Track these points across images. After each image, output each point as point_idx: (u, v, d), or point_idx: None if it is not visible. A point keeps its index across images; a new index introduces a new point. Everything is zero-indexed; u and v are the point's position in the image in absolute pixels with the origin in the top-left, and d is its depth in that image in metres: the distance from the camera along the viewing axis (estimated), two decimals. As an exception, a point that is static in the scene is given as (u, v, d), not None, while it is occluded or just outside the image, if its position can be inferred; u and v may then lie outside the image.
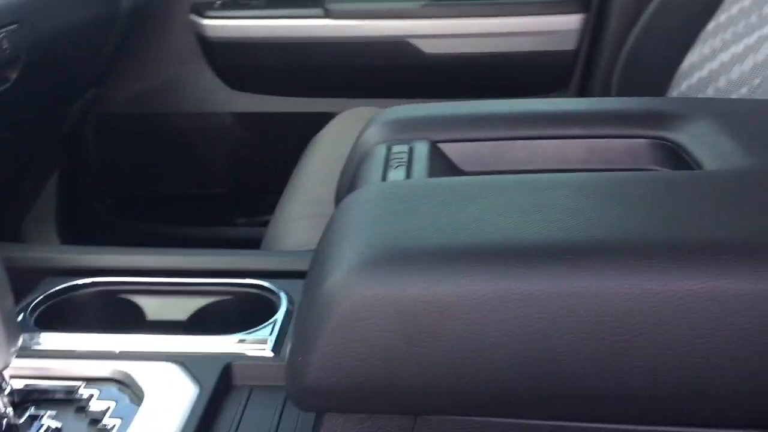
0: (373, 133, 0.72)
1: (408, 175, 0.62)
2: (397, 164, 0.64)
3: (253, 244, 1.13)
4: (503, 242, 0.46)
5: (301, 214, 0.96)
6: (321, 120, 1.39)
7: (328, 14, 1.39)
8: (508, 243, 0.45)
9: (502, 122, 0.70)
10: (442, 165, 0.66)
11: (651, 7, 1.22)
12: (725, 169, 0.56)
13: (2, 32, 0.92)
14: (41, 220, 1.49)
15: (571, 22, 1.37)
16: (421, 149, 0.67)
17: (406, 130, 0.71)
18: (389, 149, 0.68)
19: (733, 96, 0.96)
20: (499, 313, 0.43)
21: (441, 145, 0.69)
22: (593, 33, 1.39)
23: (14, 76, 0.98)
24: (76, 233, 1.54)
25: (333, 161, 1.09)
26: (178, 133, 1.51)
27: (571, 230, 0.46)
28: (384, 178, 0.63)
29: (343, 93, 1.47)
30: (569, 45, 1.39)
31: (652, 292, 0.42)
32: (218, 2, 1.43)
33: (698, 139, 0.63)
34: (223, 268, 0.80)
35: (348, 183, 0.70)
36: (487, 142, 0.69)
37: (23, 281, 0.79)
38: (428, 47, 1.40)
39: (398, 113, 0.74)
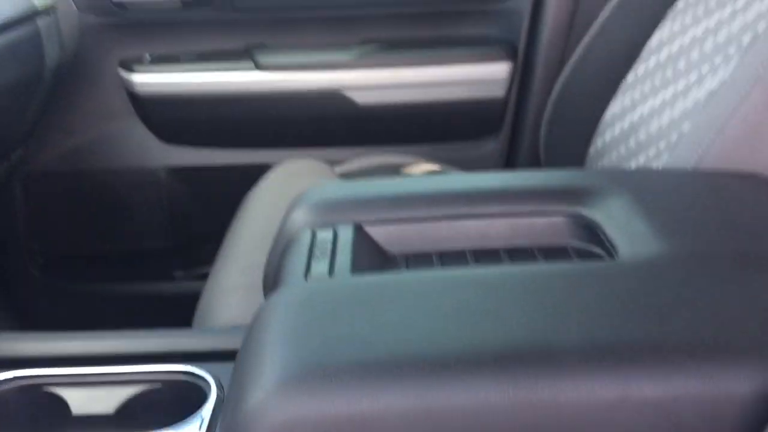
0: (297, 217, 0.72)
1: (331, 267, 0.62)
2: (320, 253, 0.65)
3: (192, 299, 1.12)
4: (422, 353, 0.46)
5: (233, 284, 0.95)
6: (257, 172, 1.39)
7: (258, 67, 1.39)
8: (427, 354, 0.46)
9: (426, 201, 0.71)
10: (367, 250, 0.67)
11: (574, 57, 1.25)
12: (636, 259, 0.58)
13: None
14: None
15: (499, 70, 1.40)
16: (346, 235, 0.67)
17: (330, 212, 0.71)
18: (314, 235, 0.68)
19: (652, 150, 1.00)
20: (423, 428, 0.43)
21: (366, 228, 0.70)
22: (521, 81, 1.42)
23: None
24: (5, 296, 1.50)
25: (267, 221, 1.09)
26: (111, 189, 1.49)
27: (486, 337, 0.47)
28: (307, 269, 0.63)
29: (278, 144, 1.47)
30: (498, 93, 1.42)
31: (562, 401, 0.43)
32: (147, 57, 1.41)
33: (613, 219, 0.65)
34: (153, 351, 0.78)
35: (273, 272, 0.70)
36: (411, 224, 0.70)
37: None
38: (360, 97, 1.41)
39: (323, 194, 0.74)
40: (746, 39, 0.87)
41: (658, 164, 0.97)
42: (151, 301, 1.53)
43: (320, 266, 0.62)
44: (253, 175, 1.32)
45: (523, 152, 1.46)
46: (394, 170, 1.29)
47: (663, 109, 1.00)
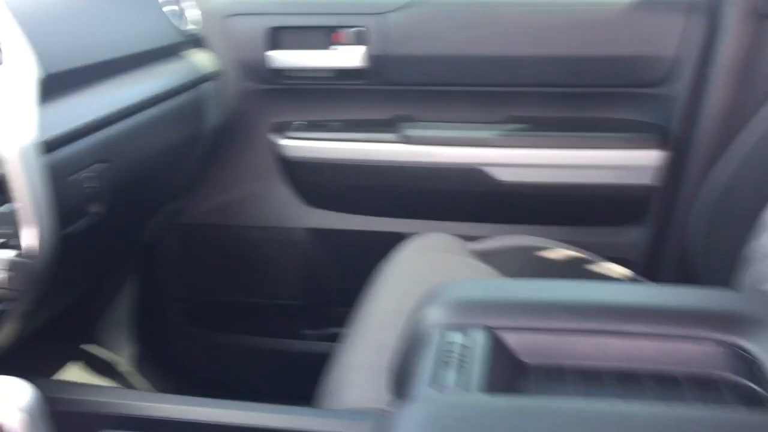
0: (428, 315, 0.71)
1: (463, 377, 0.60)
2: (451, 359, 0.63)
3: (317, 359, 1.13)
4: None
5: (361, 363, 0.95)
6: (392, 240, 1.40)
7: (403, 139, 1.41)
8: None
9: (567, 312, 0.68)
10: (500, 359, 0.65)
11: (735, 149, 1.18)
12: None
13: (90, 171, 0.97)
14: (116, 323, 1.54)
15: (649, 157, 1.35)
16: (479, 341, 0.65)
17: (463, 313, 0.70)
18: (444, 337, 0.67)
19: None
20: None
21: (500, 332, 0.68)
22: (672, 170, 1.36)
23: (99, 208, 1.02)
24: (147, 337, 1.58)
25: (397, 300, 1.08)
26: (253, 245, 1.55)
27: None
28: (437, 376, 0.61)
29: (415, 214, 1.48)
30: (647, 180, 1.36)
31: None
32: (297, 123, 1.47)
33: None
34: (278, 427, 0.80)
35: (401, 370, 0.69)
36: (549, 335, 0.67)
37: (76, 428, 0.81)
38: (502, 175, 1.40)
39: (455, 293, 0.73)
40: None
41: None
42: (279, 356, 1.57)
43: (451, 375, 0.61)
44: (388, 242, 1.33)
45: (670, 244, 1.38)
46: (531, 253, 1.26)
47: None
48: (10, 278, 0.70)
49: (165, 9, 1.29)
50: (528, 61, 1.36)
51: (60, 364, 1.40)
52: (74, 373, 1.41)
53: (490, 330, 0.67)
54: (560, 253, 1.26)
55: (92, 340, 1.48)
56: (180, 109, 1.25)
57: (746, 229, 1.07)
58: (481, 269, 1.19)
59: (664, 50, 1.32)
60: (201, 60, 1.35)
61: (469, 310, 0.70)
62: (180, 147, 1.32)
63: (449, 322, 0.69)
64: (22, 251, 0.75)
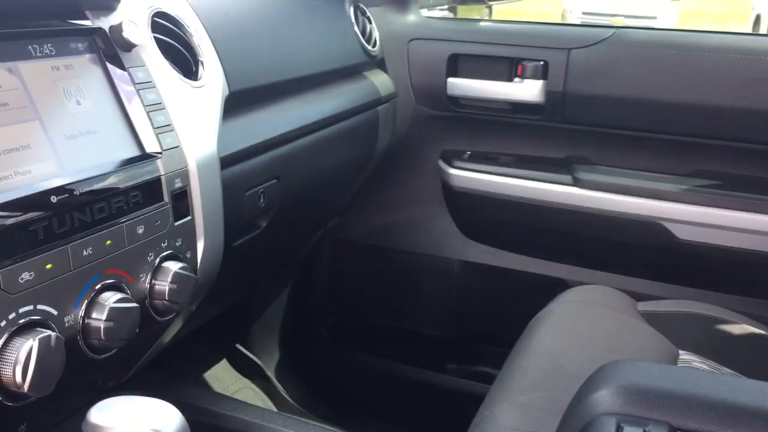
0: (599, 399, 0.64)
1: None
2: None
3: (459, 397, 1.07)
4: None
5: (509, 423, 0.89)
6: (552, 285, 1.33)
7: (576, 183, 1.33)
8: None
9: (765, 423, 0.59)
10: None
11: None
12: None
13: (262, 188, 0.98)
14: (267, 328, 1.57)
15: None
16: None
17: (642, 404, 0.62)
18: (618, 429, 0.60)
19: None
20: None
21: None
22: None
23: (264, 223, 1.03)
24: (295, 347, 1.61)
25: (552, 356, 1.02)
26: (408, 270, 1.53)
27: None
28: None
29: (580, 263, 1.40)
30: None
31: None
32: (468, 153, 1.44)
33: None
34: None
35: None
36: None
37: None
38: (681, 232, 1.28)
39: (633, 377, 0.66)
40: None
41: None
42: (419, 386, 1.54)
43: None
44: (547, 287, 1.26)
45: None
46: (708, 324, 1.15)
47: None
48: (174, 290, 0.71)
49: (355, 29, 1.30)
50: (726, 112, 1.24)
51: (210, 360, 1.45)
52: (219, 369, 1.45)
53: (674, 431, 0.59)
54: (742, 328, 1.13)
55: (243, 342, 1.52)
56: (355, 129, 1.25)
57: None
58: (648, 334, 1.09)
59: None
60: (381, 81, 1.35)
61: (649, 401, 0.62)
62: (350, 167, 1.32)
63: (625, 413, 0.62)
64: (190, 263, 0.76)
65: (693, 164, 1.31)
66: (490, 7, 2.70)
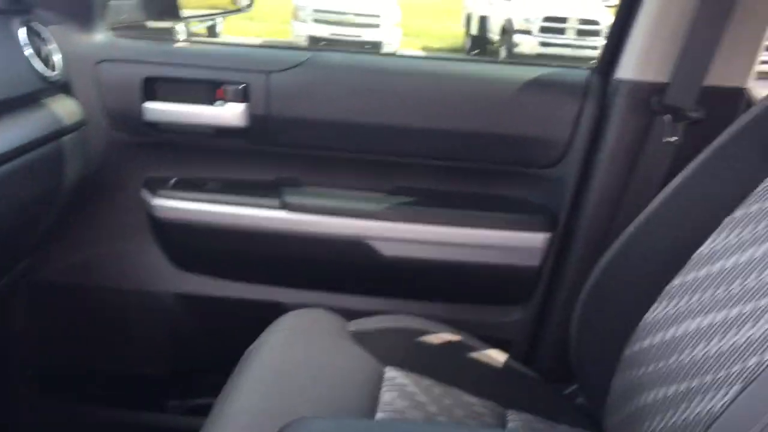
0: None
1: None
2: None
3: None
4: None
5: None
6: (268, 310, 1.31)
7: (284, 206, 1.33)
8: None
9: None
10: None
11: (618, 241, 1.16)
12: None
13: None
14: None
15: (536, 239, 1.32)
16: None
17: None
18: None
19: (696, 381, 0.88)
20: None
21: None
22: (558, 252, 1.34)
23: None
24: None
25: (262, 397, 1.00)
26: (116, 308, 1.42)
27: None
28: None
29: (296, 285, 1.40)
30: (533, 262, 1.33)
31: None
32: (173, 181, 1.37)
33: None
34: None
35: None
36: None
37: None
38: (386, 249, 1.34)
39: None
40: None
41: (707, 404, 0.86)
42: (141, 430, 1.44)
43: None
44: (263, 312, 1.24)
45: (552, 327, 1.36)
46: (411, 338, 1.20)
47: (712, 334, 0.90)
48: None
49: (26, 52, 1.16)
50: (418, 132, 1.31)
51: None
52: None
53: None
54: (441, 337, 1.21)
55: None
56: (34, 164, 1.12)
57: (619, 328, 1.05)
58: (356, 355, 1.12)
59: (557, 133, 1.31)
60: (64, 108, 1.22)
61: None
62: (34, 204, 1.18)
63: None
64: None
65: (393, 182, 1.37)
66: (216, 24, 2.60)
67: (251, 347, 1.14)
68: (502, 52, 9.51)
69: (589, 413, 1.11)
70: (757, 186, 0.99)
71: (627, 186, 1.26)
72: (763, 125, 0.99)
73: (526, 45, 9.10)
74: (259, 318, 1.22)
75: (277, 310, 1.25)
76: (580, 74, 1.32)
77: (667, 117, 1.19)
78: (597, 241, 1.27)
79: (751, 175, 0.99)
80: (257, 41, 9.32)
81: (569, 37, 9.03)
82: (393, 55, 1.48)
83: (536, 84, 1.31)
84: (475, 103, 1.30)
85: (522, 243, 1.33)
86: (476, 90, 1.31)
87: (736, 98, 1.23)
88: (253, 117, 1.31)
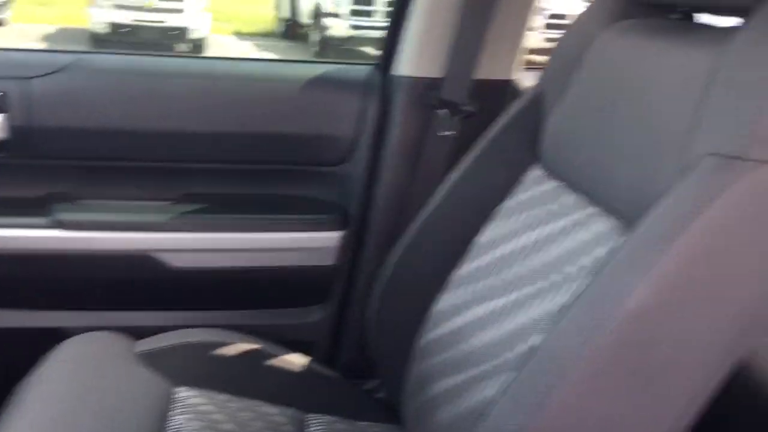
0: None
1: None
2: None
3: None
4: None
5: None
6: (50, 337, 1.20)
7: (58, 225, 1.22)
8: None
9: None
10: None
11: (407, 235, 1.19)
12: None
13: None
14: None
15: (330, 238, 1.32)
16: None
17: None
18: None
19: (483, 366, 0.92)
20: None
21: None
22: (353, 249, 1.34)
23: None
24: None
25: (39, 426, 0.91)
26: None
27: None
28: None
29: (77, 307, 1.30)
30: (328, 261, 1.33)
31: None
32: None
33: None
34: None
35: None
36: None
37: None
38: (176, 261, 1.28)
39: None
40: (585, 261, 0.83)
41: (489, 388, 0.89)
42: None
43: None
44: (42, 341, 1.13)
45: (353, 323, 1.37)
46: (205, 352, 1.16)
47: (490, 322, 0.94)
48: None
49: None
50: (200, 136, 1.26)
51: None
52: None
53: None
54: (238, 348, 1.17)
55: None
56: None
57: (412, 320, 1.07)
58: (143, 379, 1.05)
59: (343, 130, 1.30)
60: None
61: None
62: None
63: None
64: None
65: (179, 189, 1.31)
66: None
67: (23, 382, 1.04)
68: (314, 36, 9.50)
69: (391, 406, 1.12)
70: (525, 175, 1.04)
71: (413, 180, 1.28)
72: (528, 115, 1.04)
73: (337, 28, 9.15)
74: (38, 347, 1.12)
75: (57, 337, 1.15)
76: (362, 71, 1.32)
77: (444, 111, 1.23)
78: (389, 235, 1.29)
79: (520, 164, 1.04)
80: (39, 32, 8.63)
81: (377, 19, 9.20)
82: (165, 55, 1.41)
83: (319, 81, 1.30)
84: (258, 103, 1.27)
85: (316, 243, 1.32)
86: (259, 90, 1.28)
87: (504, 90, 1.29)
88: (12, 128, 1.19)
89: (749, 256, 0.69)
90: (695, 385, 0.73)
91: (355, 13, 9.23)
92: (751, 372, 0.98)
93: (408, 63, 1.25)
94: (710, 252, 0.68)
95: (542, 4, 7.41)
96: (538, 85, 1.05)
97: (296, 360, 1.17)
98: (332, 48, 8.91)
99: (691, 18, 0.97)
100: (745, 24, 0.72)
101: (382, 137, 1.29)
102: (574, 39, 1.00)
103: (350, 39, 8.93)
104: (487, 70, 1.25)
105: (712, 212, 0.66)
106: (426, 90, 1.24)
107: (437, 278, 1.07)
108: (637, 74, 0.85)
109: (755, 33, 0.69)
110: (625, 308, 0.68)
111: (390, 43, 1.28)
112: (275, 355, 1.16)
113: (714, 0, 0.79)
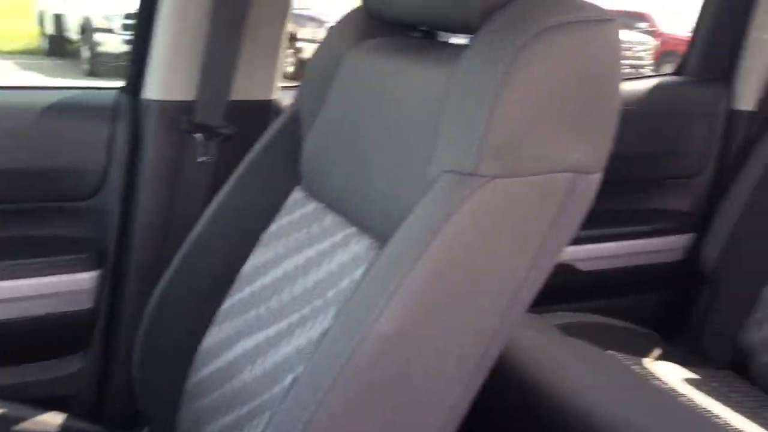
0: None
1: None
2: None
3: None
4: None
5: None
6: None
7: None
8: None
9: None
10: None
11: (169, 270, 1.10)
12: None
13: None
14: None
15: (85, 279, 1.20)
16: None
17: None
18: None
19: (256, 401, 0.87)
20: None
21: None
22: (112, 289, 1.23)
23: None
24: None
25: None
26: None
27: None
28: None
29: None
30: (85, 304, 1.21)
31: None
32: None
33: None
34: None
35: None
36: None
37: None
38: None
39: None
40: (344, 284, 0.81)
41: (261, 425, 0.84)
42: None
43: None
44: None
45: (118, 370, 1.25)
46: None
47: (258, 356, 0.89)
48: None
49: None
50: None
51: None
52: None
53: None
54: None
55: None
56: None
57: (180, 360, 1.00)
58: None
59: (91, 160, 1.19)
60: None
61: None
62: None
63: None
64: None
65: None
66: None
67: None
68: (85, 52, 8.91)
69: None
70: (288, 197, 1.01)
71: (172, 211, 1.21)
72: (286, 136, 1.01)
73: (110, 44, 8.66)
74: None
75: None
76: (109, 95, 1.22)
77: (199, 136, 1.17)
78: (150, 271, 1.19)
79: (282, 187, 1.01)
80: None
81: (154, 34, 8.84)
82: None
83: (62, 109, 1.18)
84: None
85: (69, 286, 1.19)
86: None
87: (265, 111, 1.26)
88: None
89: (489, 265, 0.71)
90: (456, 394, 0.74)
91: (127, 27, 8.79)
92: (504, 363, 1.03)
93: (157, 86, 1.17)
94: (453, 266, 0.69)
95: (323, 16, 7.54)
96: (293, 105, 1.03)
97: (51, 419, 1.05)
98: (104, 65, 8.41)
99: (434, 36, 1.00)
100: (471, 41, 0.74)
101: (134, 166, 1.20)
102: (325, 57, 0.99)
103: (125, 55, 8.49)
104: (244, 90, 1.20)
105: (450, 228, 0.67)
106: (178, 114, 1.17)
107: (205, 313, 1.01)
108: (383, 92, 0.85)
109: (478, 51, 0.71)
110: (377, 332, 0.67)
111: (136, 65, 1.20)
112: (23, 418, 1.03)
113: (444, 19, 0.81)
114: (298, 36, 7.14)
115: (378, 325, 0.67)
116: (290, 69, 7.23)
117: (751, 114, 1.50)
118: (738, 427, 1.08)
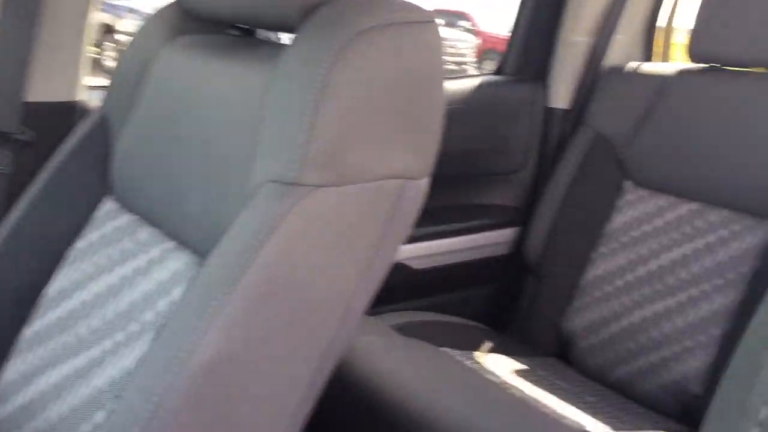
0: None
1: None
2: None
3: None
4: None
5: None
6: None
7: None
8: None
9: None
10: None
11: None
12: None
13: None
14: None
15: None
16: None
17: None
18: None
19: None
20: None
21: None
22: None
23: None
24: None
25: None
26: None
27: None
28: None
29: None
30: None
31: None
32: None
33: None
34: None
35: None
36: None
37: None
38: None
39: None
40: (162, 306, 0.74)
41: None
42: None
43: None
44: None
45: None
46: None
47: (64, 390, 0.80)
48: None
49: None
50: None
51: None
52: None
53: None
54: None
55: None
56: None
57: None
58: None
59: None
60: None
61: None
62: None
63: None
64: None
65: None
66: None
67: None
68: None
69: None
70: (98, 209, 0.91)
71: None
72: (95, 141, 0.92)
73: None
74: None
75: None
76: None
77: None
78: None
79: (91, 197, 0.92)
80: None
81: None
82: None
83: None
84: None
85: None
86: None
87: (70, 113, 1.14)
88: None
89: (320, 278, 0.67)
90: (289, 411, 0.69)
91: None
92: (342, 372, 1.01)
93: None
94: (280, 282, 0.64)
95: (143, 8, 7.13)
96: (102, 107, 0.93)
97: None
98: None
99: (253, 33, 0.94)
100: (294, 41, 0.70)
101: None
102: (136, 55, 0.90)
103: None
104: (43, 90, 1.08)
105: (274, 241, 0.63)
106: None
107: (3, 342, 0.89)
108: (198, 95, 0.79)
109: (297, 52, 0.67)
110: (196, 362, 0.61)
111: None
112: None
113: (262, 16, 0.76)
114: (117, 28, 6.73)
115: (198, 353, 0.61)
116: (111, 64, 6.79)
117: (565, 112, 1.58)
118: (562, 413, 1.12)
